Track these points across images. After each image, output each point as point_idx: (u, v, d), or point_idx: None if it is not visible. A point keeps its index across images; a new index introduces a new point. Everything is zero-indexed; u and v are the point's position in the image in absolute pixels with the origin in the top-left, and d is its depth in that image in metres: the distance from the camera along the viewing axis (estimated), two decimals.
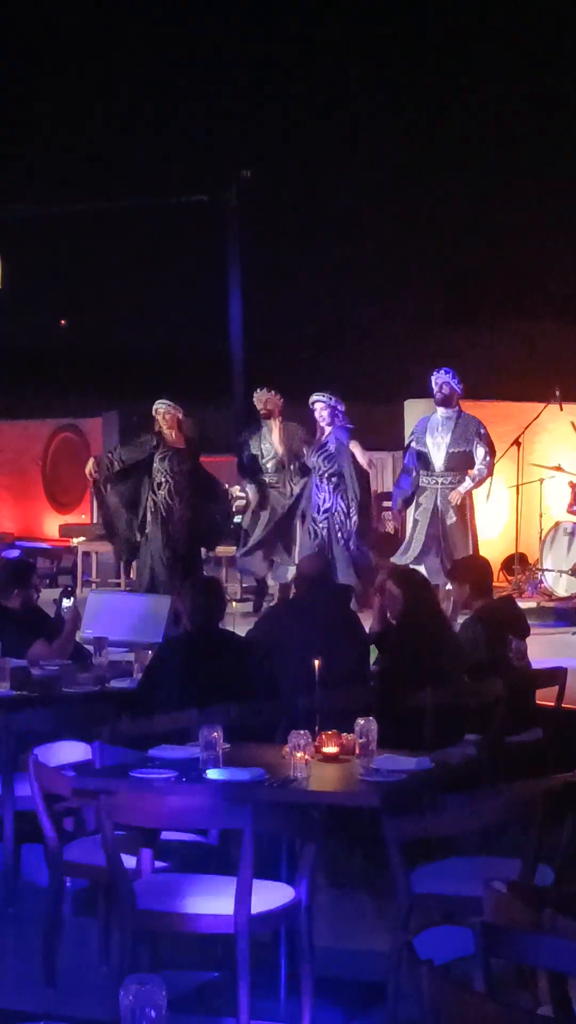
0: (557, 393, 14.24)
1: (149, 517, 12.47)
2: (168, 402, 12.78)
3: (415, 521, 12.65)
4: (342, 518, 12.55)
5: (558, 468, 14.00)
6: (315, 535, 12.56)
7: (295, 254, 28.90)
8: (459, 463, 12.39)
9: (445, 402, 12.50)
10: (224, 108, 29.36)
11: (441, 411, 12.53)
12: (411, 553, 12.42)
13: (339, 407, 12.73)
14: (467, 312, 26.99)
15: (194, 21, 29.55)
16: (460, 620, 8.76)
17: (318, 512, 12.61)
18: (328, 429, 12.72)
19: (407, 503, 12.76)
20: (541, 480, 14.29)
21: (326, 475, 12.62)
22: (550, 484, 14.28)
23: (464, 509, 12.35)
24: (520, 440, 14.16)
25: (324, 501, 12.57)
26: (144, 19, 29.59)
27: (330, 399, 12.71)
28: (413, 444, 12.58)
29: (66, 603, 9.04)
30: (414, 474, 12.52)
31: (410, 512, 12.97)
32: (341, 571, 12.19)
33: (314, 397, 12.75)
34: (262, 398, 13.41)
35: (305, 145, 28.81)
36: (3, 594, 8.73)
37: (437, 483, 12.41)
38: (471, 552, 11.88)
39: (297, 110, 29.12)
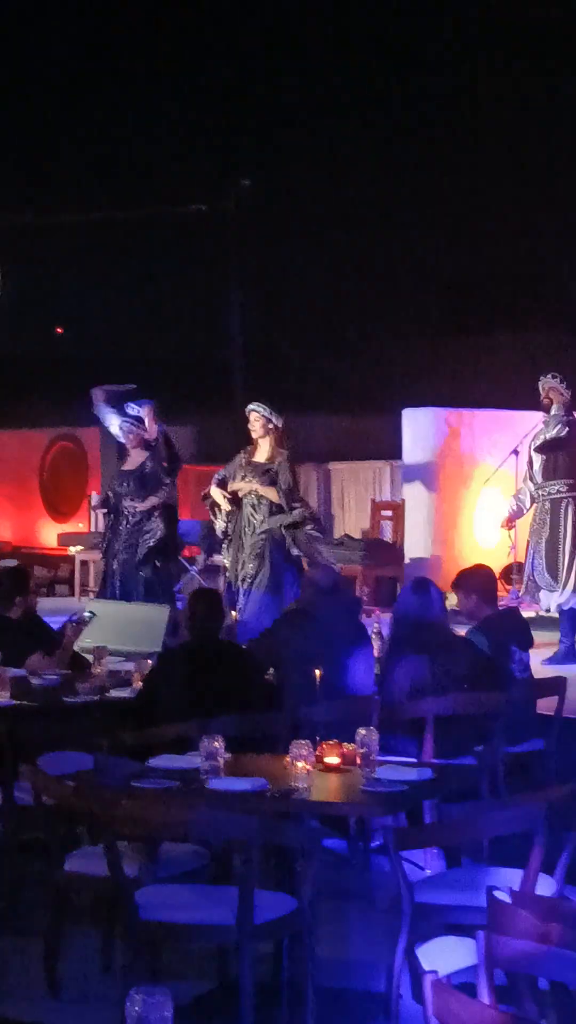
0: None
1: None
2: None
3: None
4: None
5: None
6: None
7: (294, 263, 28.89)
8: None
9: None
10: (223, 117, 29.37)
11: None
12: None
13: (276, 423, 12.05)
14: (466, 321, 27.00)
15: (194, 29, 29.57)
16: (460, 629, 8.75)
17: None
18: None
19: None
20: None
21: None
22: None
23: None
24: (519, 449, 14.16)
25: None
26: (143, 27, 29.61)
27: (268, 412, 12.01)
28: None
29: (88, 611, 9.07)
30: None
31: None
32: None
33: (251, 406, 12.07)
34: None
35: (304, 155, 28.81)
36: (4, 603, 8.73)
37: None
38: None
39: (296, 119, 29.13)
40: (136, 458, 12.75)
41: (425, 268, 27.97)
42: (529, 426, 13.96)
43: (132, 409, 12.96)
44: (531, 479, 12.20)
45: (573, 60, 24.29)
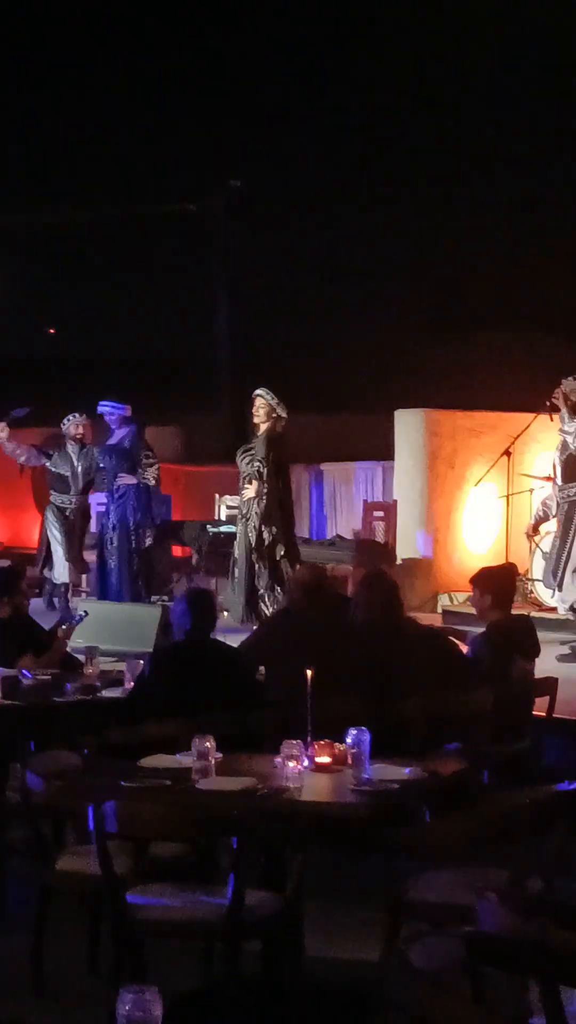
0: (548, 403, 14.25)
1: None
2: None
3: None
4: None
5: (548, 478, 14.01)
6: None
7: (283, 264, 28.89)
8: None
9: None
10: (212, 117, 29.35)
11: None
12: None
13: (280, 412, 12.40)
14: (457, 322, 27.01)
15: (183, 29, 29.55)
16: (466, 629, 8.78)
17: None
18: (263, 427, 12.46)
19: None
20: (531, 490, 14.31)
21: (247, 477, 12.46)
22: (540, 494, 14.29)
23: None
24: (510, 450, 14.18)
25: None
26: (132, 26, 29.58)
27: (274, 400, 12.38)
28: None
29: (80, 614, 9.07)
30: None
31: None
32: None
33: (258, 391, 12.48)
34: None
35: (294, 155, 28.81)
36: None
37: None
38: None
39: (286, 120, 29.12)
40: (119, 434, 13.15)
41: (417, 268, 27.96)
42: (520, 427, 13.99)
43: (105, 407, 13.41)
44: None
45: (565, 64, 24.29)
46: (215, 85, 29.25)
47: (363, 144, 28.00)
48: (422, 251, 27.93)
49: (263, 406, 12.26)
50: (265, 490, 12.18)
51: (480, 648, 8.10)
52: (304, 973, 5.42)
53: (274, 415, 12.22)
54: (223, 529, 15.43)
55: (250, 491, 12.23)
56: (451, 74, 26.88)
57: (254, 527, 12.24)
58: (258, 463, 12.18)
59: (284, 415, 12.28)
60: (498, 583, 8.32)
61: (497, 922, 4.12)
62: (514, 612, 8.68)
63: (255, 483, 12.19)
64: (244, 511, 12.40)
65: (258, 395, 12.36)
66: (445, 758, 6.87)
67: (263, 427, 12.31)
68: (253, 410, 12.38)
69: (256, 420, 12.34)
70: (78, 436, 14.08)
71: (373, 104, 28.04)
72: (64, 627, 8.89)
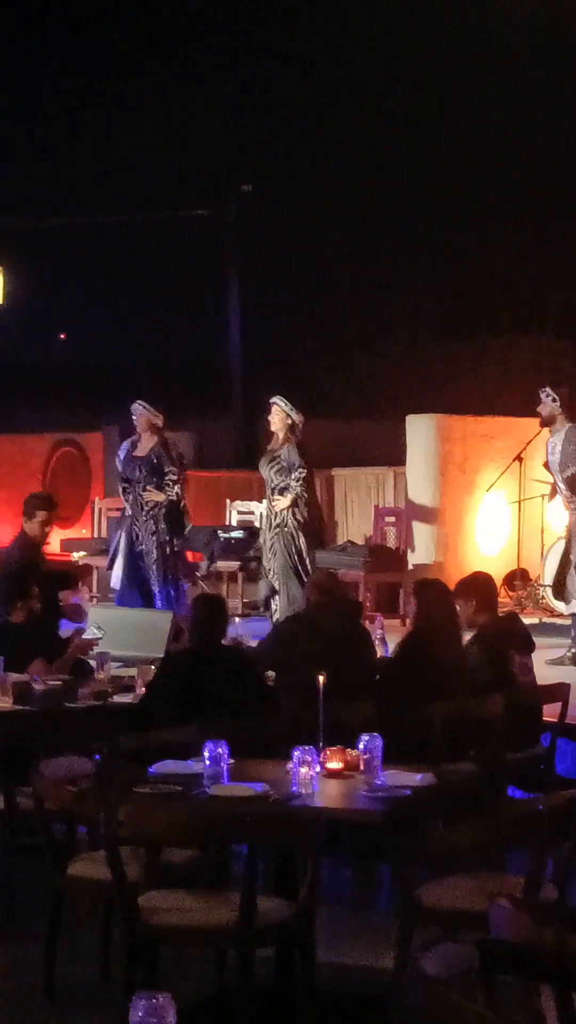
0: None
1: None
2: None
3: None
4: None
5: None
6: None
7: (295, 269, 28.92)
8: None
9: None
10: (224, 123, 29.39)
11: None
12: None
13: (296, 419, 12.46)
14: (467, 327, 27.01)
15: (194, 34, 29.61)
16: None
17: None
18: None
19: None
20: (543, 496, 14.26)
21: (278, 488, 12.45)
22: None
23: None
24: (522, 456, 14.16)
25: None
26: (144, 31, 29.64)
27: (288, 407, 12.45)
28: None
29: (96, 632, 9.05)
30: None
31: None
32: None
33: (274, 399, 12.52)
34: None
35: (305, 160, 28.84)
36: (7, 607, 8.73)
37: None
38: None
39: (297, 125, 29.16)
40: (147, 443, 12.83)
41: (427, 274, 27.98)
42: (532, 432, 13.96)
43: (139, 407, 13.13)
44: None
45: (567, 75, 24.30)
46: (226, 92, 29.30)
47: (375, 152, 28.03)
48: (434, 257, 27.96)
49: (278, 413, 12.36)
50: (305, 499, 12.26)
51: (476, 648, 8.10)
52: (317, 980, 5.40)
53: (289, 421, 12.32)
54: (234, 535, 15.42)
55: (284, 502, 12.24)
56: (464, 83, 26.91)
57: (291, 535, 12.26)
58: (297, 474, 12.22)
59: (300, 422, 12.38)
60: (478, 587, 8.40)
61: (511, 929, 4.11)
62: (515, 614, 8.73)
63: (289, 494, 12.19)
64: (276, 521, 12.37)
65: (274, 403, 12.43)
66: (458, 764, 6.86)
67: (280, 435, 12.38)
68: (269, 417, 12.48)
69: (273, 428, 12.44)
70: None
71: (385, 112, 28.07)
72: (82, 638, 8.90)
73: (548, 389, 12.27)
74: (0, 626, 8.75)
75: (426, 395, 12.68)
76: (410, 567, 14.76)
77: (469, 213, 27.29)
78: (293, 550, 12.25)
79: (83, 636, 9.07)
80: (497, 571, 13.68)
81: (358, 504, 17.30)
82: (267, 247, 26.53)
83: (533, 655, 8.41)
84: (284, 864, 5.73)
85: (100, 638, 9.02)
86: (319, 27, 28.34)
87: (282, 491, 12.29)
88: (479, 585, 8.47)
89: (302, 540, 12.26)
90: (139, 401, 12.77)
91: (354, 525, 17.08)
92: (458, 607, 8.26)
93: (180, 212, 25.98)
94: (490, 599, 8.39)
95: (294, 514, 12.27)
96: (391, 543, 15.45)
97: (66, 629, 9.63)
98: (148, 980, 5.36)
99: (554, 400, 12.20)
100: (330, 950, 6.02)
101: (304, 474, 12.26)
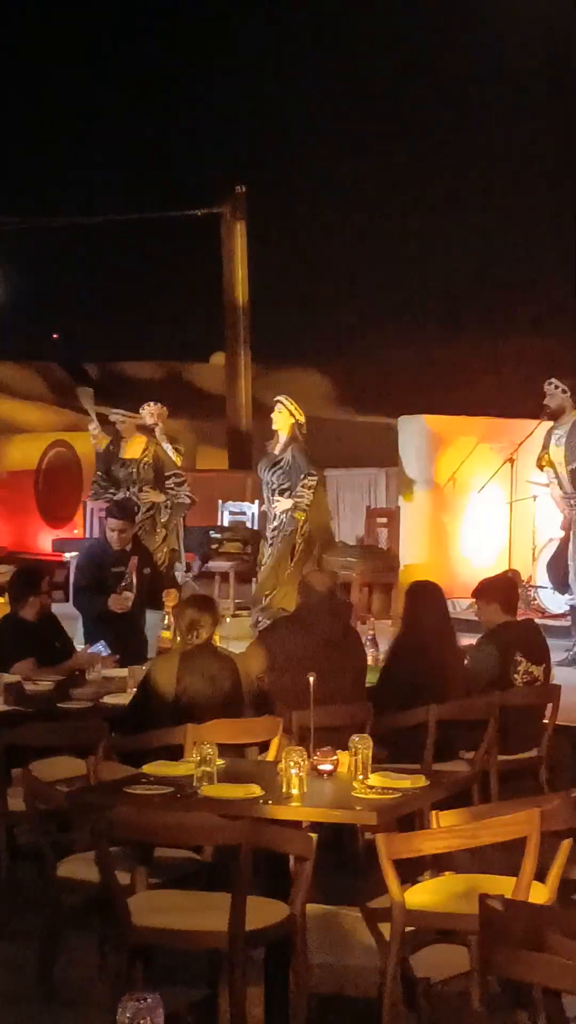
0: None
1: None
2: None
3: None
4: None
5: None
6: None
7: (289, 269, 28.93)
8: None
9: None
10: (219, 123, 29.44)
11: None
12: None
13: (298, 418, 12.45)
14: (461, 329, 27.05)
15: (191, 35, 29.64)
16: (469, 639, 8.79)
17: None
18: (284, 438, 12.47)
19: None
20: (535, 497, 14.29)
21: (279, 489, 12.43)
22: (543, 501, 14.28)
23: None
24: (514, 457, 14.17)
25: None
26: (140, 33, 29.67)
27: (292, 407, 12.42)
28: None
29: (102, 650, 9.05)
30: None
31: None
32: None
33: (278, 398, 12.52)
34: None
35: (300, 160, 28.88)
36: (18, 603, 8.72)
37: None
38: None
39: (293, 125, 29.20)
40: (137, 445, 12.86)
41: (422, 275, 28.02)
42: (523, 433, 13.97)
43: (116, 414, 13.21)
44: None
45: (557, 90, 24.34)
46: (222, 92, 29.32)
47: (372, 151, 28.07)
48: (427, 258, 28.00)
49: (283, 412, 12.32)
50: (308, 505, 12.19)
51: (484, 649, 8.12)
52: (308, 981, 5.40)
53: (291, 421, 12.31)
54: (226, 536, 15.43)
55: (285, 503, 12.18)
56: (463, 85, 26.95)
57: (289, 537, 12.24)
58: (308, 480, 12.15)
59: (303, 421, 12.37)
60: (503, 590, 8.43)
61: (503, 931, 4.11)
62: (534, 622, 8.77)
63: (291, 498, 12.14)
64: (275, 523, 12.35)
65: (278, 401, 12.40)
66: (450, 765, 6.86)
67: (283, 435, 12.33)
68: (272, 416, 12.45)
69: (275, 427, 12.40)
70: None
71: (381, 111, 28.11)
72: (87, 652, 8.93)
73: (555, 380, 12.29)
74: (11, 622, 8.75)
75: (418, 395, 12.69)
76: (401, 567, 14.77)
77: (465, 215, 27.35)
78: (288, 552, 12.23)
79: (89, 651, 9.09)
80: (488, 572, 13.71)
81: (350, 504, 17.32)
82: (262, 248, 26.54)
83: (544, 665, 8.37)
84: (276, 865, 5.73)
85: (106, 655, 9.02)
86: (319, 27, 28.38)
87: (283, 492, 12.24)
88: (503, 587, 8.51)
89: (300, 543, 12.24)
90: (117, 410, 12.87)
91: (346, 525, 17.09)
92: (478, 606, 8.30)
93: (175, 212, 25.98)
94: (511, 602, 8.43)
95: (294, 517, 12.24)
96: (383, 544, 15.47)
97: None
98: (142, 981, 5.36)
99: (564, 392, 12.23)
100: (322, 952, 6.01)
101: (314, 481, 12.20)
